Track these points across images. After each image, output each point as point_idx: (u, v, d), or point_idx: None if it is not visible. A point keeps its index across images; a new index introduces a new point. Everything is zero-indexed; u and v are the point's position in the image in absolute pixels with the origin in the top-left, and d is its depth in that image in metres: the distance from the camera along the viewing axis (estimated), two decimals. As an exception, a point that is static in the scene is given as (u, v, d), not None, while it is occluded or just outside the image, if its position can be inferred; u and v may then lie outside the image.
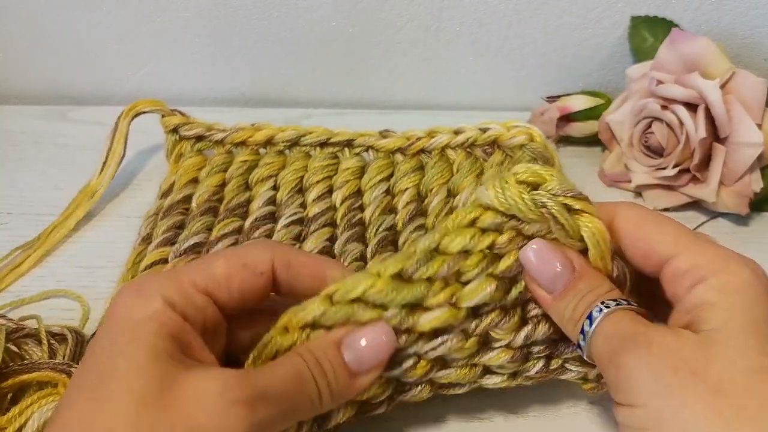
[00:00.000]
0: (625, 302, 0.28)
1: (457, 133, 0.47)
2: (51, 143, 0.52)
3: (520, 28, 0.53)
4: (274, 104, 0.58)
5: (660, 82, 0.45)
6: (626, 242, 0.30)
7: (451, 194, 0.44)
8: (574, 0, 0.52)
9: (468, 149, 0.47)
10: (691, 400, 0.24)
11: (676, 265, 0.28)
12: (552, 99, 0.53)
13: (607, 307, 0.28)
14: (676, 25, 0.50)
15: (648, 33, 0.51)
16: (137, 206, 0.46)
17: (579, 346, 0.29)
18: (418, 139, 0.47)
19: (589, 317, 0.28)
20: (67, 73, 0.57)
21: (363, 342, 0.28)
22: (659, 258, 0.29)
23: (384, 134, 0.48)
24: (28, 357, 0.34)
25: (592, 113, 0.51)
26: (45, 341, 0.34)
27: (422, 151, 0.47)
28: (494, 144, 0.47)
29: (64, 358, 0.34)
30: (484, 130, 0.47)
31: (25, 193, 0.48)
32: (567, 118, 0.51)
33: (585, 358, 0.29)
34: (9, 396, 0.32)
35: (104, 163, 0.47)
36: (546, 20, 0.53)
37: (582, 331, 0.28)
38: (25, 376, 0.32)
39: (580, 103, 0.51)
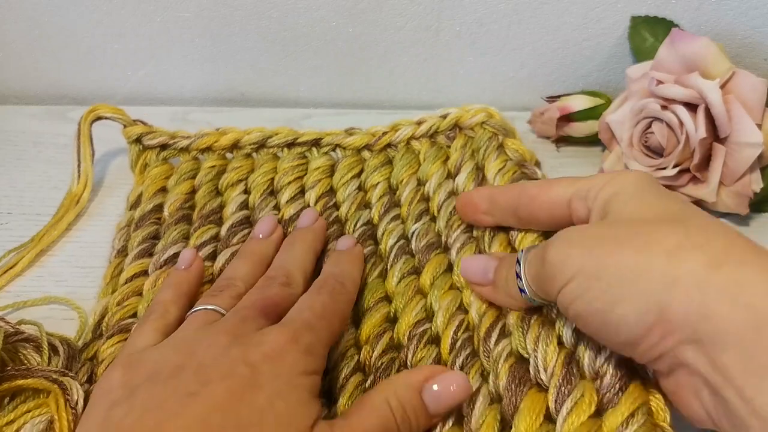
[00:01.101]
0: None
1: (419, 123, 0.48)
2: (51, 143, 0.52)
3: (520, 28, 0.53)
4: (274, 104, 0.58)
5: (660, 82, 0.45)
6: (536, 212, 0.36)
7: (420, 183, 0.46)
8: (574, 0, 0.52)
9: (431, 138, 0.48)
10: (618, 248, 0.27)
11: (578, 192, 0.33)
12: (552, 99, 0.53)
13: (521, 257, 0.32)
14: (676, 25, 0.50)
15: (648, 33, 0.51)
16: (137, 206, 0.46)
17: (522, 290, 0.32)
18: (384, 134, 0.48)
19: (518, 261, 0.32)
20: (67, 73, 0.57)
21: (443, 386, 0.30)
22: (563, 199, 0.34)
23: (350, 132, 0.49)
24: (26, 362, 0.34)
25: (592, 113, 0.51)
26: (46, 349, 0.34)
27: (388, 145, 0.48)
28: (456, 128, 0.48)
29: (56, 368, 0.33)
30: (444, 116, 0.48)
31: (25, 193, 0.48)
32: (567, 118, 0.51)
33: (530, 296, 0.32)
34: (6, 399, 0.32)
35: (78, 166, 0.47)
36: (546, 20, 0.53)
37: (518, 276, 0.32)
38: (21, 381, 0.32)
39: (580, 103, 0.51)
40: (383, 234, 0.42)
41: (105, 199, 0.48)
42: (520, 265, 0.32)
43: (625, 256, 0.27)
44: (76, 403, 0.31)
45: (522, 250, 0.33)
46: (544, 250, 0.30)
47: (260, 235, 0.40)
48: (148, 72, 0.57)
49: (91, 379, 0.34)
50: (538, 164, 0.47)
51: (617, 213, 0.30)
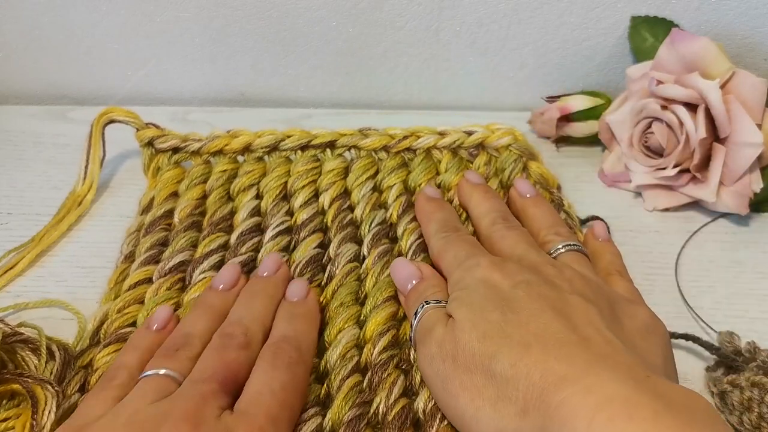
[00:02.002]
0: (437, 302, 0.34)
1: (442, 134, 0.48)
2: (51, 143, 0.52)
3: (520, 28, 0.53)
4: (274, 104, 0.58)
5: (660, 82, 0.45)
6: None
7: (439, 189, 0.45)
8: (574, 0, 0.52)
9: (453, 151, 0.48)
10: (455, 386, 0.30)
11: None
12: (552, 99, 0.53)
13: (427, 303, 0.34)
14: (676, 25, 0.50)
15: (648, 33, 0.51)
16: (136, 205, 0.46)
17: (410, 338, 0.34)
18: (405, 137, 0.47)
19: (416, 313, 0.34)
20: (67, 73, 0.57)
21: None
22: None
23: (364, 132, 0.48)
24: (23, 364, 0.33)
25: (592, 113, 0.51)
26: (44, 354, 0.33)
27: (406, 149, 0.47)
28: (480, 146, 0.48)
29: (51, 374, 0.33)
30: (469, 134, 0.48)
31: (25, 193, 0.48)
32: (567, 118, 0.51)
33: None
34: (4, 402, 0.32)
35: (86, 167, 0.46)
36: (546, 20, 0.53)
37: (411, 326, 0.34)
38: (14, 386, 0.31)
39: (580, 103, 0.51)
40: (404, 232, 0.41)
41: (106, 199, 0.48)
42: (415, 317, 0.34)
43: (457, 395, 0.30)
44: (42, 427, 0.30)
45: (424, 303, 0.34)
46: (419, 341, 0.33)
47: (221, 287, 0.37)
48: (148, 72, 0.57)
49: (83, 388, 0.34)
50: (559, 188, 0.47)
51: (459, 327, 0.31)
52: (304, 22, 0.54)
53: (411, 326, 0.34)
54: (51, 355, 0.34)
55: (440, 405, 0.31)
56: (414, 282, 0.36)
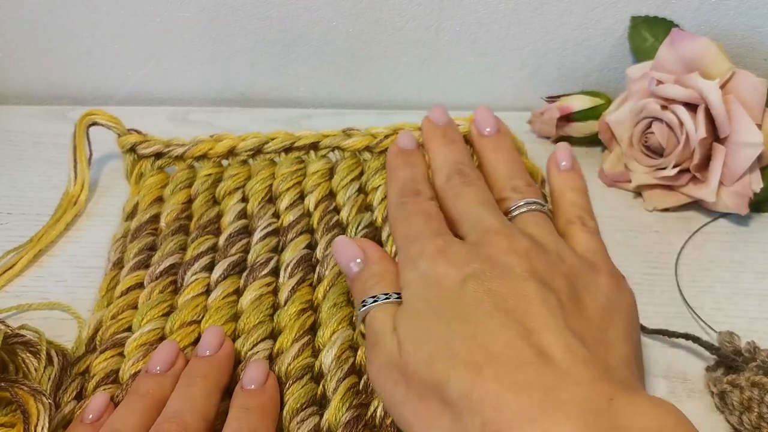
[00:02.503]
0: (383, 296, 0.31)
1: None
2: (51, 143, 0.52)
3: (520, 28, 0.53)
4: (274, 104, 0.58)
5: (660, 82, 0.45)
6: None
7: None
8: (574, 0, 0.52)
9: None
10: (410, 413, 0.28)
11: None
12: (552, 99, 0.53)
13: (364, 304, 0.31)
14: (676, 25, 0.50)
15: (648, 33, 0.51)
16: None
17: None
18: (386, 136, 0.47)
19: (361, 307, 0.31)
20: (67, 73, 0.57)
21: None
22: None
23: (348, 133, 0.47)
24: (23, 366, 0.33)
25: (592, 113, 0.51)
26: (43, 358, 0.33)
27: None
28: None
29: (49, 380, 0.33)
30: None
31: (25, 193, 0.48)
32: (567, 118, 0.51)
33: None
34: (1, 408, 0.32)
35: (75, 167, 0.46)
36: (546, 20, 0.53)
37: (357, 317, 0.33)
38: (6, 393, 0.31)
39: (580, 103, 0.51)
40: (389, 237, 0.41)
41: (105, 200, 0.48)
42: (360, 311, 0.32)
43: (404, 408, 0.28)
44: None
45: (363, 303, 0.31)
46: (368, 350, 0.31)
47: (157, 369, 0.32)
48: (148, 72, 0.57)
49: (80, 395, 0.33)
50: (543, 182, 0.47)
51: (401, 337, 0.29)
52: (304, 22, 0.54)
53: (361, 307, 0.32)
54: (50, 360, 0.34)
55: (399, 426, 0.29)
56: (354, 268, 0.33)
